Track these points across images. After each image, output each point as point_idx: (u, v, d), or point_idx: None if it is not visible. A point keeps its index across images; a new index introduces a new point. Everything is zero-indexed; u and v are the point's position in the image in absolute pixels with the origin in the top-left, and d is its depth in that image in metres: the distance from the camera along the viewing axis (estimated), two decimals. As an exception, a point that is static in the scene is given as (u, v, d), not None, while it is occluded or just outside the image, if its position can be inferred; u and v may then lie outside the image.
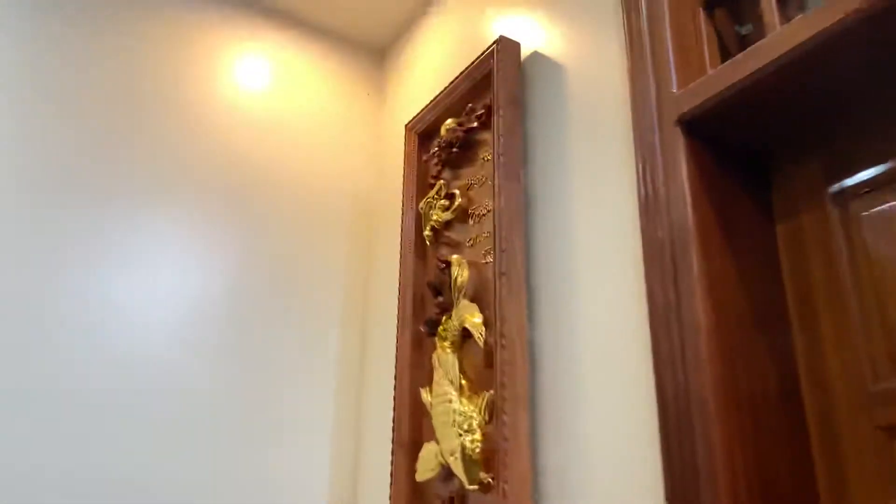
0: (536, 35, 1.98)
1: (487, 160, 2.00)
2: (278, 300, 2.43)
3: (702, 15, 1.60)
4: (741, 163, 1.49)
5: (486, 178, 1.99)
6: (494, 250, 1.78)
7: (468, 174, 2.09)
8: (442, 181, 2.16)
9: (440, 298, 2.00)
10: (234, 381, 2.28)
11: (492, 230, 1.85)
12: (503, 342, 1.66)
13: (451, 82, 2.17)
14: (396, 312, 2.20)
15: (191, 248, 2.33)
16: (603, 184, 1.62)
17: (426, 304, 2.15)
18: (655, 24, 1.56)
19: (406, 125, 2.40)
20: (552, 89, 1.86)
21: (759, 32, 1.46)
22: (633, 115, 1.56)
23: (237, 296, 2.36)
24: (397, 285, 2.25)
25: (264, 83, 2.64)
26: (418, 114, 2.35)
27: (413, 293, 2.16)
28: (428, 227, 2.18)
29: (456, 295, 1.93)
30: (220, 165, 2.45)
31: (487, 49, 2.02)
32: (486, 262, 1.89)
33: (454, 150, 2.11)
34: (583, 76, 1.76)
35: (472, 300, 1.88)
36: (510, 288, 1.71)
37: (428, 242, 2.18)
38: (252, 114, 2.58)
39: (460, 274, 1.93)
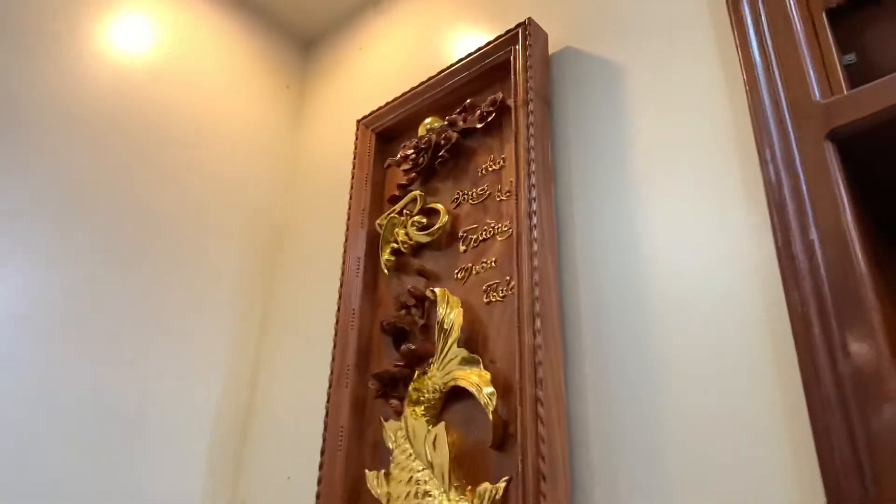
0: (567, 26, 1.56)
1: (491, 170, 1.52)
2: (146, 332, 1.73)
3: (826, 27, 1.27)
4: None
5: (491, 193, 1.50)
6: (519, 288, 1.28)
7: (454, 187, 1.59)
8: (418, 193, 1.63)
9: (409, 346, 1.44)
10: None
11: (500, 260, 1.37)
12: (534, 413, 1.15)
13: (440, 73, 1.69)
14: (329, 363, 1.59)
15: (30, 251, 1.58)
16: (698, 215, 1.20)
17: (373, 352, 1.58)
18: (783, 30, 1.21)
19: (359, 121, 1.86)
20: (598, 93, 1.44)
21: (866, 62, 1.18)
22: (758, 127, 1.16)
23: (93, 315, 1.64)
24: (327, 326, 1.66)
25: (157, 54, 1.99)
26: (379, 109, 1.83)
27: (359, 337, 1.57)
28: (388, 251, 1.63)
29: (443, 342, 1.39)
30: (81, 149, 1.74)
31: (506, 33, 1.57)
32: (490, 302, 1.38)
33: (440, 155, 1.61)
34: (652, 80, 1.37)
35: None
36: (546, 341, 1.22)
37: (385, 270, 1.62)
38: (136, 88, 1.91)
39: (449, 314, 1.40)
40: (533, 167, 1.38)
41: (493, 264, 1.43)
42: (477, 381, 1.28)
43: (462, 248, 1.51)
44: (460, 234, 1.53)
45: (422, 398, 1.38)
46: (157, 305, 1.77)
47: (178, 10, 2.07)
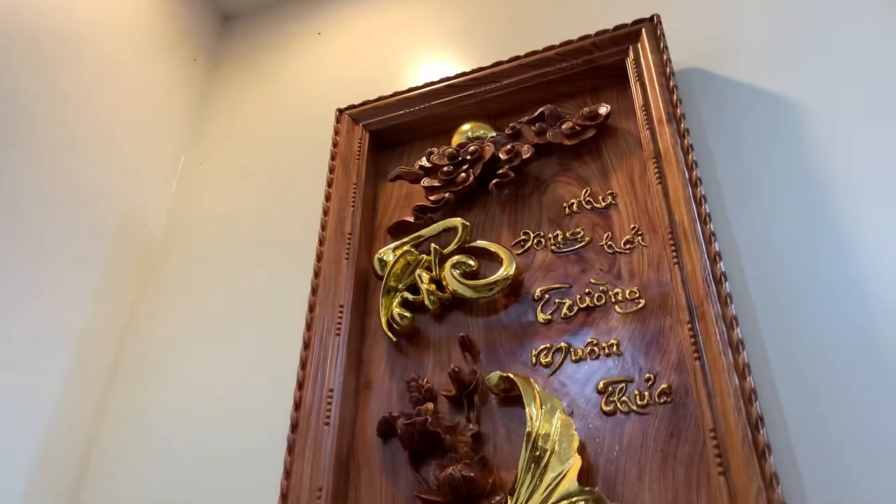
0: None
1: (588, 208, 1.01)
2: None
3: None
4: None
5: (592, 241, 0.98)
6: (698, 403, 0.75)
7: (516, 223, 1.05)
8: (461, 222, 1.05)
9: (457, 471, 0.82)
10: None
11: (627, 345, 0.87)
12: None
13: (490, 67, 1.18)
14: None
15: None
16: None
17: (359, 478, 0.92)
18: None
19: (343, 111, 1.26)
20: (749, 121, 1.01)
21: None
22: None
23: None
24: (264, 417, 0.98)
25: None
26: (373, 102, 1.25)
27: (336, 446, 0.92)
28: (396, 304, 1.01)
29: (534, 471, 0.80)
30: None
31: (616, 29, 1.11)
32: (613, 412, 0.83)
33: (500, 173, 1.06)
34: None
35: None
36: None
37: (390, 335, 1.00)
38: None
39: (547, 423, 0.82)
40: (706, 210, 0.88)
41: (612, 350, 0.88)
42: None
43: (543, 316, 0.94)
44: (536, 294, 0.96)
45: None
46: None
47: None
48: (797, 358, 0.81)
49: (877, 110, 0.97)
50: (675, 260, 0.87)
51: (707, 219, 0.87)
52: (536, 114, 1.11)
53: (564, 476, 0.77)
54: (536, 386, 0.85)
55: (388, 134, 1.23)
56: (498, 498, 0.81)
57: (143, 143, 1.41)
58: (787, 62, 1.06)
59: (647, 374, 0.84)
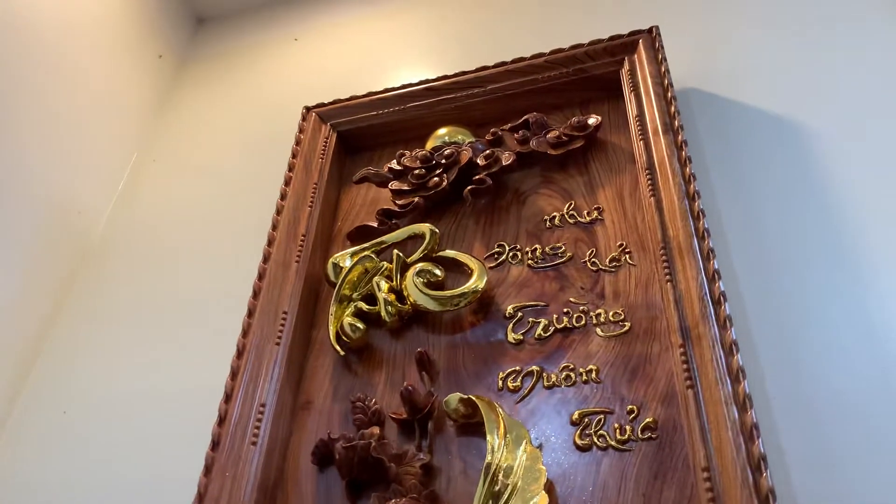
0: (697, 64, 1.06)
1: (571, 222, 0.91)
2: None
3: None
4: None
5: (574, 257, 0.87)
6: (690, 443, 0.64)
7: (489, 235, 0.94)
8: (429, 228, 0.94)
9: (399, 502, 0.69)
10: None
11: (608, 371, 0.76)
12: None
13: (473, 71, 1.09)
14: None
15: None
16: None
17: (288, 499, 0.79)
18: None
19: (311, 109, 1.16)
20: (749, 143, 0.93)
21: None
22: None
23: None
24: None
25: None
26: (344, 102, 1.15)
27: (263, 469, 0.78)
28: (349, 314, 0.89)
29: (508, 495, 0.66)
30: None
31: (611, 39, 1.03)
32: (589, 447, 0.71)
33: (477, 179, 0.96)
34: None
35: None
36: None
37: (337, 348, 0.87)
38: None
39: (510, 456, 0.70)
40: (703, 225, 0.78)
41: (590, 377, 0.76)
42: None
43: (514, 336, 0.82)
44: (508, 311, 0.85)
45: None
46: None
47: None
48: (801, 390, 0.71)
49: (878, 133, 0.90)
50: (668, 277, 0.76)
51: (705, 234, 0.77)
52: (521, 121, 1.01)
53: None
54: (501, 411, 0.73)
55: (357, 136, 1.13)
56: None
57: (93, 135, 1.30)
58: (789, 85, 1.00)
59: (630, 406, 0.73)
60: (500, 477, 0.68)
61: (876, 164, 0.87)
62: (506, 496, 0.66)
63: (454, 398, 0.76)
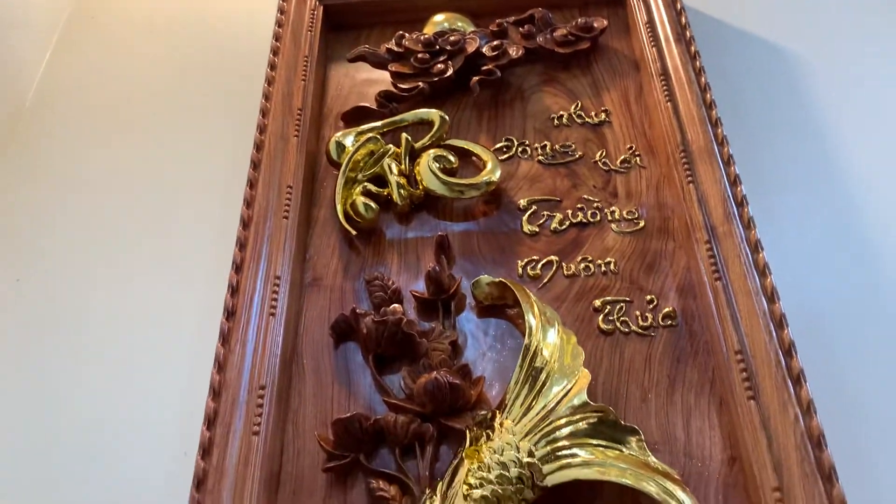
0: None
1: (578, 122, 0.93)
2: None
3: None
4: None
5: (584, 156, 0.90)
6: (706, 328, 0.70)
7: (495, 129, 0.95)
8: (439, 115, 0.93)
9: (442, 377, 0.70)
10: None
11: (626, 264, 0.80)
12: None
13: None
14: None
15: None
16: None
17: (302, 376, 0.77)
18: None
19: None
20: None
21: None
22: None
23: None
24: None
25: None
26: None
27: (283, 342, 0.76)
28: (358, 193, 0.86)
29: (531, 386, 0.69)
30: None
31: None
32: (611, 331, 0.76)
33: (485, 69, 0.95)
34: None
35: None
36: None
37: (347, 226, 0.85)
38: None
39: (548, 334, 0.72)
40: (722, 132, 0.83)
41: (608, 268, 0.80)
42: (667, 485, 0.61)
43: (530, 227, 0.84)
44: (521, 204, 0.86)
45: (480, 490, 0.63)
46: None
47: None
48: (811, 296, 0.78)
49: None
50: (690, 179, 0.80)
51: (724, 141, 0.82)
52: (526, 15, 1.00)
53: (570, 390, 0.68)
54: (532, 295, 0.75)
55: (344, 12, 1.07)
56: (484, 412, 0.69)
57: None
58: (789, 11, 1.05)
59: (649, 296, 0.77)
60: (539, 356, 0.70)
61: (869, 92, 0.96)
62: (546, 373, 0.69)
63: (484, 280, 0.77)
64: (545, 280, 0.80)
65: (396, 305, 0.77)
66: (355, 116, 0.95)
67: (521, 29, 0.99)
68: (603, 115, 0.93)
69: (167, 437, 0.80)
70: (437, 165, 0.86)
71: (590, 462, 0.63)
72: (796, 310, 0.72)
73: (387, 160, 0.88)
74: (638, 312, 0.76)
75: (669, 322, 0.75)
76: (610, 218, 0.84)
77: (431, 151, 0.88)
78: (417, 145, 0.90)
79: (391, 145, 0.90)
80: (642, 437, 0.64)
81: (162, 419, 0.82)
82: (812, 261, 0.88)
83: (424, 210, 0.87)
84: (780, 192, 0.91)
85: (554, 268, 0.81)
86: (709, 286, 0.73)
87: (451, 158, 0.88)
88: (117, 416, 0.83)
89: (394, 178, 0.86)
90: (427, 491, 0.65)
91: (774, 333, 0.68)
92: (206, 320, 0.79)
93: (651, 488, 0.61)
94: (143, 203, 0.99)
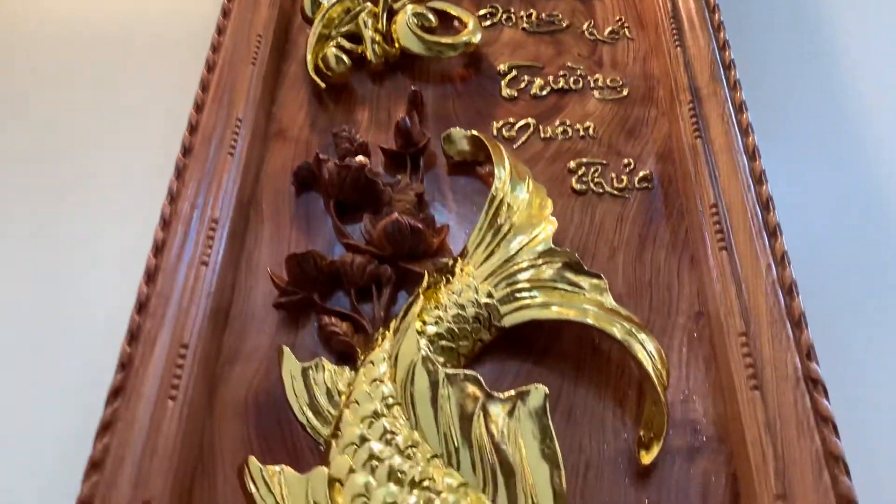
0: None
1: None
2: None
3: None
4: None
5: (571, 25, 0.86)
6: (686, 195, 0.67)
7: None
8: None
9: (403, 218, 0.66)
10: None
11: (603, 130, 0.77)
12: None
13: None
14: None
15: None
16: None
17: (265, 216, 0.74)
18: None
19: None
20: None
21: None
22: None
23: None
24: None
25: None
26: None
27: (240, 189, 0.73)
28: (331, 49, 0.82)
29: (495, 230, 0.66)
30: None
31: None
32: (584, 191, 0.73)
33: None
34: None
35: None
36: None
37: (317, 79, 0.81)
38: None
39: (517, 185, 0.69)
40: (715, 1, 0.79)
41: (587, 133, 0.76)
42: (629, 327, 0.58)
43: (508, 91, 0.81)
44: (501, 68, 0.82)
45: (434, 328, 0.60)
46: None
47: None
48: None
49: None
50: (678, 43, 0.77)
51: (716, 8, 0.78)
52: None
53: (535, 237, 0.65)
54: (505, 150, 0.71)
55: None
56: (445, 259, 0.66)
57: None
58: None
59: (627, 160, 0.74)
60: (505, 206, 0.67)
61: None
62: (510, 223, 0.66)
63: (458, 133, 0.74)
64: (520, 141, 0.77)
65: (362, 157, 0.74)
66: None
67: None
68: (592, -13, 0.89)
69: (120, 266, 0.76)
70: (416, 22, 0.82)
71: (549, 303, 0.61)
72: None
73: (363, 16, 0.84)
74: (613, 175, 0.73)
75: (645, 185, 0.72)
76: (593, 85, 0.80)
77: (410, 7, 0.84)
78: (396, 4, 0.86)
79: (368, 3, 0.86)
80: (607, 284, 0.61)
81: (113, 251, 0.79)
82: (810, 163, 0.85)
83: (399, 70, 0.83)
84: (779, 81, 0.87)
85: (531, 130, 0.77)
86: (687, 145, 0.70)
87: (431, 17, 0.84)
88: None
89: (369, 34, 0.82)
90: (381, 329, 0.62)
91: (753, 188, 0.65)
92: (164, 160, 0.75)
93: (613, 329, 0.58)
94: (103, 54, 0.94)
